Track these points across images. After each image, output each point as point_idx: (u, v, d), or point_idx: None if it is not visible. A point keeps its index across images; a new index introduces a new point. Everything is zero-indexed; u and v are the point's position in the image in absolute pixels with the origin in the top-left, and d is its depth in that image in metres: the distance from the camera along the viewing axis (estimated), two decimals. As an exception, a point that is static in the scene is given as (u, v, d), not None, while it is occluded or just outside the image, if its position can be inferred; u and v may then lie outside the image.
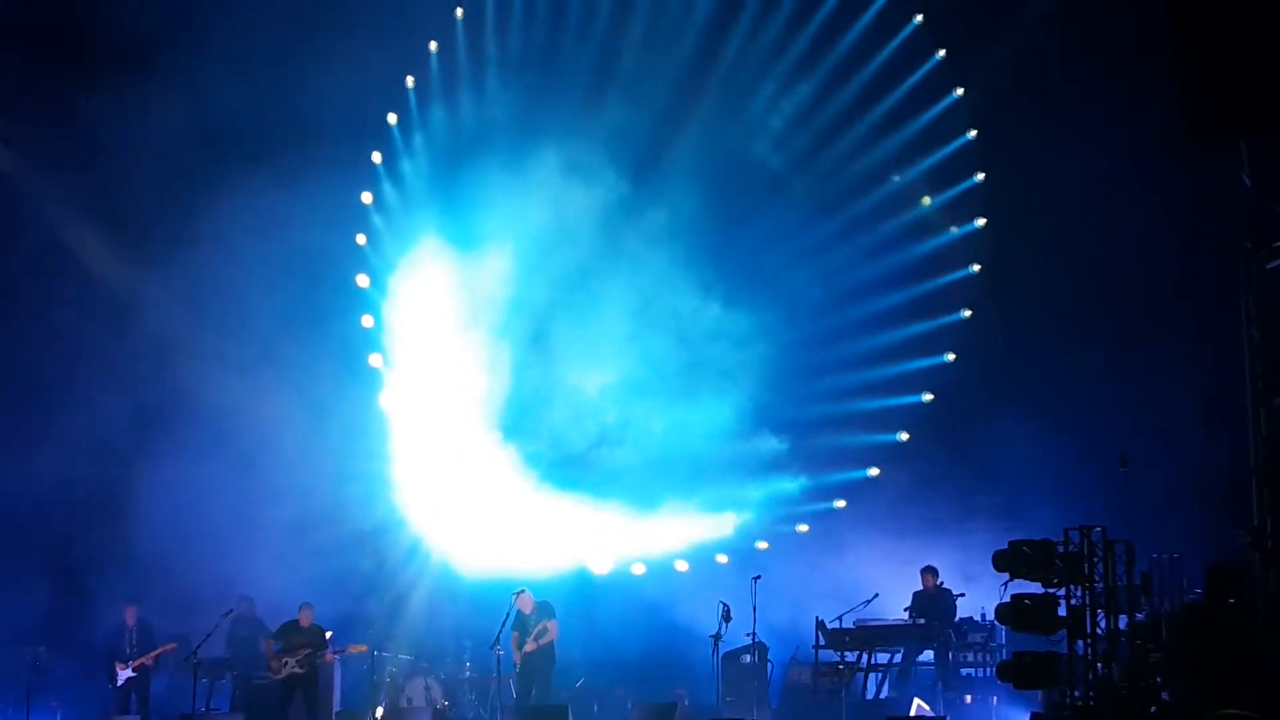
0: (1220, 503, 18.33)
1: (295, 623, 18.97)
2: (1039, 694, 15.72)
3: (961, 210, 21.76)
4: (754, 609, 17.92)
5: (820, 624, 18.52)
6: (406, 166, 22.42)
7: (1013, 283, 21.35)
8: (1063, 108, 20.56)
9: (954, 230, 21.74)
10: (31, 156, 21.38)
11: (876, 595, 18.78)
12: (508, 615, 18.32)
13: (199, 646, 18.27)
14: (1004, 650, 17.64)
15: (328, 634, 19.20)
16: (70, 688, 20.10)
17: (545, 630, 18.41)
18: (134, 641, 19.03)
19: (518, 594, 18.56)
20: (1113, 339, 20.35)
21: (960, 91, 21.53)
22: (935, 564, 18.88)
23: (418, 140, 22.40)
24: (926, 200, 21.87)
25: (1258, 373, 15.04)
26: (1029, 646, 15.48)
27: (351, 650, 19.39)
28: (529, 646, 18.32)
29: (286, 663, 18.64)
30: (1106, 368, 20.09)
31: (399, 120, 22.38)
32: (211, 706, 19.08)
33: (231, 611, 19.22)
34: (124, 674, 18.83)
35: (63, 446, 20.47)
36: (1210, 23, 13.87)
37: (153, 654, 18.97)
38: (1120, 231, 19.82)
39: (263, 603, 20.48)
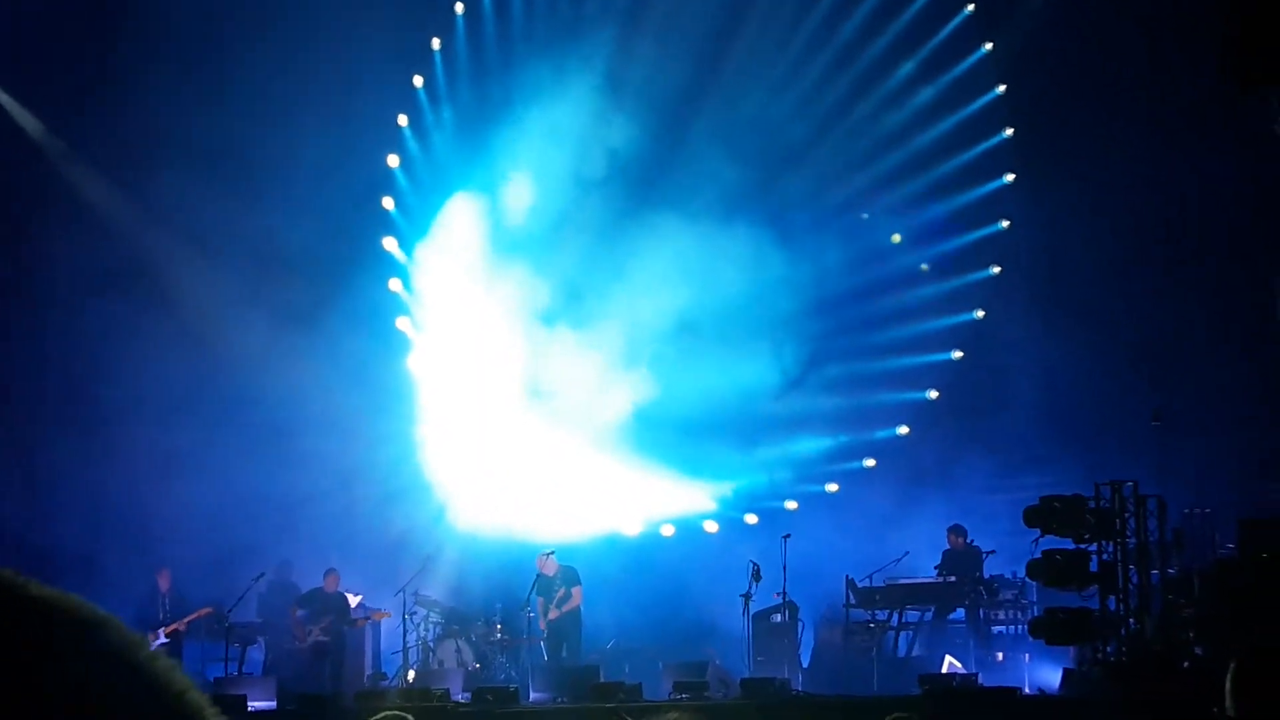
0: (1259, 462, 18.20)
1: (320, 589, 18.92)
2: (1071, 650, 15.68)
3: (991, 166, 21.62)
4: (784, 568, 17.89)
5: (850, 583, 18.47)
6: (432, 128, 22.31)
7: (1049, 240, 21.13)
8: (1098, 74, 20.46)
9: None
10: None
11: (907, 553, 18.72)
12: (536, 578, 18.36)
13: (231, 610, 18.27)
14: (1035, 607, 17.56)
15: (356, 599, 19.21)
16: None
17: (569, 597, 18.38)
18: (167, 607, 18.80)
19: (542, 557, 18.57)
20: (1154, 302, 20.16)
21: (988, 45, 21.41)
22: (963, 522, 18.78)
23: (444, 105, 22.29)
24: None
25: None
26: (1060, 602, 15.45)
27: (377, 617, 19.40)
28: (552, 614, 18.33)
29: (311, 630, 18.65)
30: (1143, 330, 19.99)
31: (424, 83, 22.27)
32: (244, 671, 19.04)
33: (263, 575, 19.20)
34: (157, 641, 18.47)
35: (95, 413, 20.55)
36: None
37: (187, 619, 18.64)
38: (1165, 187, 19.67)
39: (294, 566, 20.47)
